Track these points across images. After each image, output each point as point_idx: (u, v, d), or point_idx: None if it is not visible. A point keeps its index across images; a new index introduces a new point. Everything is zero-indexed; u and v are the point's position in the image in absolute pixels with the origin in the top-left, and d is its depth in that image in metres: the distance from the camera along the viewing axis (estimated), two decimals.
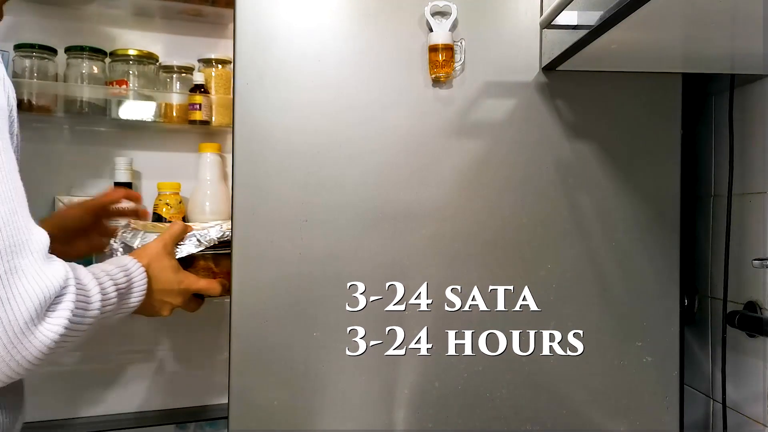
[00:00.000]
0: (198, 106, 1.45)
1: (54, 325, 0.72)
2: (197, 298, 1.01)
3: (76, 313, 0.75)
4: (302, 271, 0.89)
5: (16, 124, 0.81)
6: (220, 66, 1.52)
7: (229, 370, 0.88)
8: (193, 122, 1.45)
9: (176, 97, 1.46)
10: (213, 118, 1.47)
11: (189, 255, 0.99)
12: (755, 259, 0.86)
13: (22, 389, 0.91)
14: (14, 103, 0.80)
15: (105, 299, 0.82)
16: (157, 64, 1.49)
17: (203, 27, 1.57)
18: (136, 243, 1.03)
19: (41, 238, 0.73)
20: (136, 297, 0.89)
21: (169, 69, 1.50)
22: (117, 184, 1.47)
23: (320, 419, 0.89)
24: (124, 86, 1.42)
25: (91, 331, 0.80)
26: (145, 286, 0.91)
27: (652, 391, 0.94)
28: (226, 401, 0.89)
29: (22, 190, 0.74)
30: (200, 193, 1.51)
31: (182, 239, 0.99)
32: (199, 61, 1.52)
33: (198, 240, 1.00)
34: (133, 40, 1.46)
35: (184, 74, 1.50)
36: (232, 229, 0.89)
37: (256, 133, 0.88)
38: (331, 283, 0.89)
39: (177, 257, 0.98)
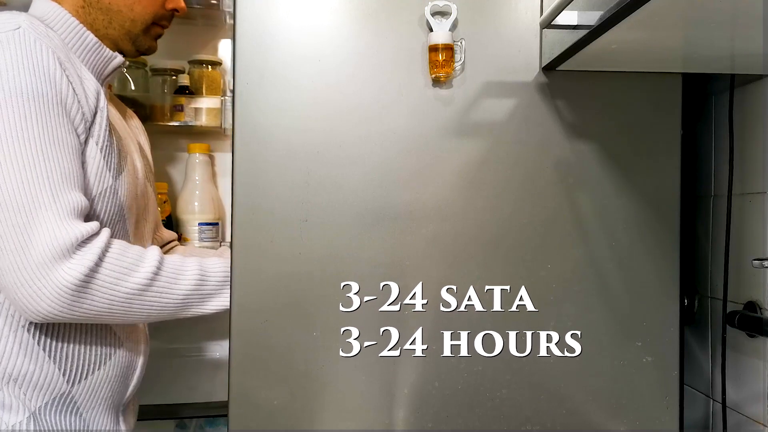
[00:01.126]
0: (181, 108, 1.46)
1: (72, 267, 0.84)
2: None
3: (107, 268, 0.87)
4: (302, 270, 0.89)
5: (85, 113, 0.92)
6: (209, 67, 1.52)
7: (229, 369, 0.88)
8: (177, 123, 1.46)
9: (160, 99, 1.47)
10: (203, 119, 1.48)
11: None
12: (755, 259, 0.85)
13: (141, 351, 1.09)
14: (80, 96, 0.92)
15: (171, 276, 0.94)
16: (146, 67, 1.50)
17: (193, 29, 1.57)
18: None
19: (71, 200, 0.87)
20: None
21: (160, 71, 1.50)
22: None
23: (320, 419, 0.89)
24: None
25: (163, 307, 0.94)
26: None
27: (652, 391, 0.94)
28: (226, 399, 0.88)
29: (62, 163, 0.87)
30: (189, 192, 1.53)
31: None
32: (189, 62, 1.53)
33: None
34: None
35: (173, 77, 1.51)
36: (231, 228, 0.88)
37: (256, 133, 0.88)
38: (330, 283, 0.89)
39: None
